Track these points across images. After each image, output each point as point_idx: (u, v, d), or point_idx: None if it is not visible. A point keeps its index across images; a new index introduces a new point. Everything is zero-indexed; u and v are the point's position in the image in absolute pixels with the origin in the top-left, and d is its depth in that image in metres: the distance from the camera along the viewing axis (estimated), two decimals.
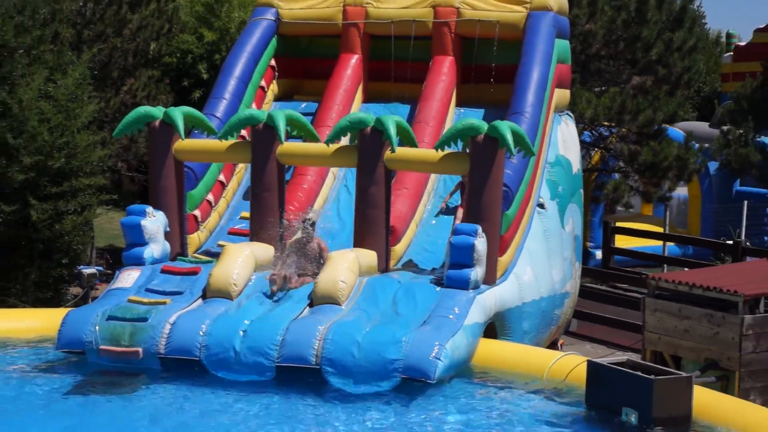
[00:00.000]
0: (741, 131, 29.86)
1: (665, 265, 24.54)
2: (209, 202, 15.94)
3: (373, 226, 14.15)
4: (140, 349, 12.58)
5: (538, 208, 15.68)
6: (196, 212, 15.55)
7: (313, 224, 13.18)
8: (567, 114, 17.75)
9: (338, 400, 11.97)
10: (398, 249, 14.91)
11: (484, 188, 13.74)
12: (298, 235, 13.33)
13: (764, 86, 30.13)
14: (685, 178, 26.17)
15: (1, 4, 18.14)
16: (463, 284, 13.22)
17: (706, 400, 11.28)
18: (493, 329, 13.81)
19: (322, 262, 13.45)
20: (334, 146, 14.44)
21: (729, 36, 49.52)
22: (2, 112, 17.43)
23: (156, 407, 11.81)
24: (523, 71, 15.84)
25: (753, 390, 12.58)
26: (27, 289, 18.21)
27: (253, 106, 16.75)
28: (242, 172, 16.66)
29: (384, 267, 14.17)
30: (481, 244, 13.34)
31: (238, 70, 16.89)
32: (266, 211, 14.43)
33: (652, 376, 11.05)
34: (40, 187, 17.75)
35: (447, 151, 14.05)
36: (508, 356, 13.13)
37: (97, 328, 12.80)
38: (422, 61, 16.99)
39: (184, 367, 12.60)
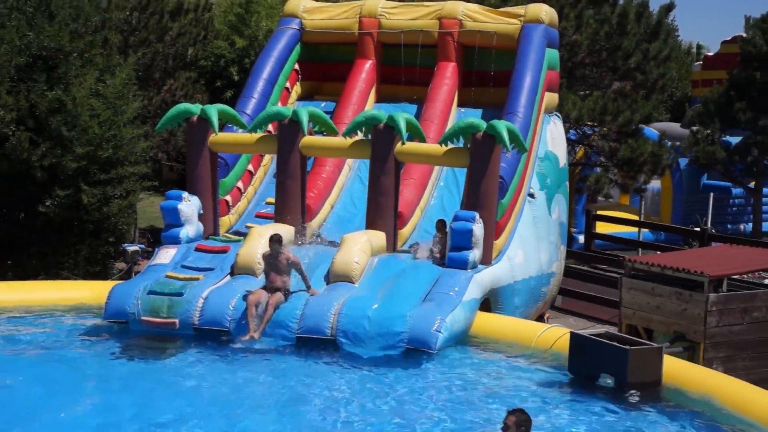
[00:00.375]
0: (708, 131, 29.89)
1: (640, 249, 24.46)
2: (239, 188, 15.98)
3: (383, 211, 14.16)
4: (177, 321, 12.65)
5: (528, 198, 15.66)
6: (228, 197, 15.61)
7: (279, 241, 12.67)
8: (555, 114, 17.67)
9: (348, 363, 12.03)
10: (404, 232, 14.88)
11: (482, 179, 13.76)
12: (267, 251, 12.91)
13: (729, 92, 30.04)
14: (659, 172, 26.10)
15: (57, 13, 18.03)
16: (462, 265, 13.28)
17: (674, 367, 11.32)
18: (488, 304, 13.81)
19: (291, 270, 12.87)
20: (350, 140, 14.47)
21: (699, 47, 49.41)
22: (58, 108, 17.35)
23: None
24: (517, 76, 15.82)
25: (716, 359, 12.55)
26: (78, 263, 18.21)
27: (279, 104, 16.62)
28: (269, 162, 16.63)
29: (392, 248, 14.19)
30: (478, 229, 13.40)
31: (265, 72, 16.92)
32: (289, 197, 14.47)
33: (627, 347, 11.09)
34: (90, 174, 17.72)
35: (450, 146, 14.08)
36: (501, 328, 13.15)
37: (139, 301, 12.92)
38: (428, 66, 16.99)
39: (215, 336, 12.65)
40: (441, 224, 14.00)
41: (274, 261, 12.66)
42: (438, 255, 13.74)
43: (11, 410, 10.10)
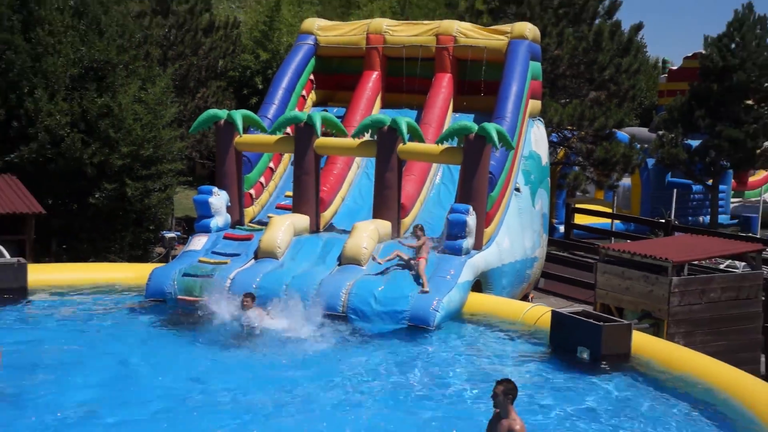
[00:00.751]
0: (672, 136, 29.81)
1: (612, 238, 24.32)
2: (261, 183, 15.92)
3: (387, 203, 14.13)
4: (207, 299, 12.57)
5: (515, 191, 15.55)
6: (251, 191, 15.57)
7: (250, 296, 12.11)
8: (538, 119, 17.53)
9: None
10: (406, 221, 14.77)
11: (474, 175, 13.69)
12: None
13: (690, 101, 30.03)
14: (629, 171, 26.10)
15: (106, 30, 18.01)
16: (457, 251, 13.25)
17: (642, 341, 11.34)
18: (479, 285, 13.74)
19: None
20: (358, 141, 14.45)
21: (664, 62, 49.31)
22: (106, 112, 17.35)
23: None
24: (504, 86, 15.71)
25: (677, 334, 12.48)
26: (123, 248, 18.24)
27: (296, 110, 16.55)
28: (287, 160, 16.53)
29: (396, 235, 14.15)
30: (471, 220, 13.37)
31: (285, 82, 16.86)
32: (305, 190, 14.44)
33: (601, 323, 11.10)
34: (133, 170, 17.72)
35: (446, 145, 14.05)
36: (491, 306, 13.10)
37: (175, 282, 13.00)
38: (427, 77, 16.85)
39: None
40: (418, 229, 13.50)
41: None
42: (408, 259, 13.10)
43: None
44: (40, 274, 13.62)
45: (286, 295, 12.36)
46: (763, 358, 13.10)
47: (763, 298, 13.50)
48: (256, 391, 9.73)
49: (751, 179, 36.55)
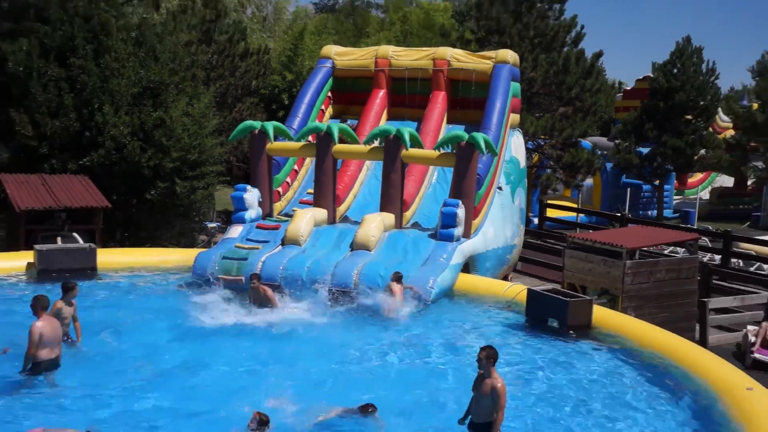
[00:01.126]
0: (627, 144, 29.69)
1: (578, 228, 24.30)
2: (287, 182, 15.85)
3: (392, 198, 14.07)
4: (243, 278, 12.59)
5: (498, 190, 15.46)
6: (279, 189, 15.50)
7: (256, 278, 11.74)
8: (518, 130, 17.45)
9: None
10: (407, 214, 14.74)
11: (465, 176, 13.65)
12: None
13: (641, 116, 29.92)
14: (592, 173, 25.89)
15: (160, 57, 18.01)
16: (450, 238, 13.19)
17: (601, 313, 11.33)
18: (467, 267, 13.69)
19: (269, 302, 11.65)
20: (368, 147, 14.39)
21: (620, 83, 49.24)
22: (160, 124, 17.32)
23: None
24: (490, 102, 15.65)
25: (629, 308, 12.43)
26: (173, 235, 18.25)
27: (317, 121, 16.50)
28: (309, 163, 16.43)
29: (399, 226, 14.10)
30: (461, 212, 13.32)
31: (307, 98, 16.79)
32: (324, 188, 14.37)
33: (567, 299, 11.10)
34: (182, 171, 17.69)
35: (441, 151, 14.01)
36: (477, 285, 13.07)
37: (216, 264, 12.92)
38: (425, 94, 16.79)
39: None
40: (396, 277, 11.88)
41: (257, 293, 11.65)
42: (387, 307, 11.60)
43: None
44: (107, 257, 13.67)
45: (307, 274, 12.28)
46: (697, 327, 13.09)
47: (698, 278, 13.48)
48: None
49: (690, 180, 36.55)
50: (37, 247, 12.90)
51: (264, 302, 11.56)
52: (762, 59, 40.15)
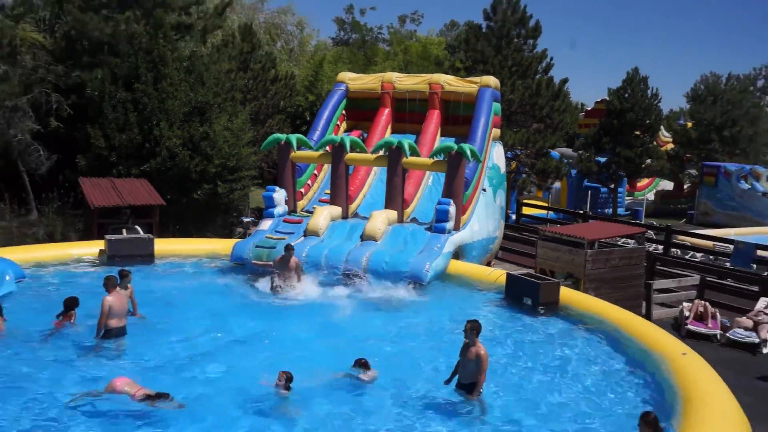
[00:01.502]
0: (588, 154, 29.58)
1: (548, 223, 24.21)
2: (308, 184, 15.78)
3: (395, 198, 14.03)
4: (272, 263, 12.37)
5: (482, 191, 15.42)
6: (302, 190, 15.42)
7: (290, 248, 11.46)
8: (499, 142, 17.36)
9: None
10: (407, 211, 14.69)
11: (455, 179, 13.60)
12: (282, 255, 11.73)
13: (600, 131, 29.82)
14: (560, 178, 25.79)
15: (206, 81, 18.01)
16: (442, 231, 13.16)
17: (567, 294, 11.30)
18: (457, 255, 13.64)
19: (295, 272, 11.48)
20: (375, 155, 14.35)
21: (582, 105, 48.87)
22: (205, 137, 17.30)
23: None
24: (475, 119, 15.60)
25: (590, 289, 12.41)
26: (216, 229, 18.20)
27: (333, 134, 16.49)
28: (326, 169, 16.36)
29: (400, 220, 14.05)
30: (452, 209, 13.28)
31: (325, 115, 16.72)
32: (339, 189, 14.30)
33: (539, 281, 11.09)
34: (223, 175, 17.67)
35: (435, 159, 13.95)
36: (464, 270, 13.01)
37: (250, 252, 12.84)
38: (422, 112, 16.74)
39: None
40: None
41: (286, 263, 11.36)
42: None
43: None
44: (163, 246, 13.69)
45: (325, 259, 12.20)
46: (644, 304, 13.09)
47: (645, 264, 13.47)
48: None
49: (638, 184, 36.43)
50: (107, 236, 12.96)
51: (286, 270, 11.36)
52: (695, 87, 40.57)
